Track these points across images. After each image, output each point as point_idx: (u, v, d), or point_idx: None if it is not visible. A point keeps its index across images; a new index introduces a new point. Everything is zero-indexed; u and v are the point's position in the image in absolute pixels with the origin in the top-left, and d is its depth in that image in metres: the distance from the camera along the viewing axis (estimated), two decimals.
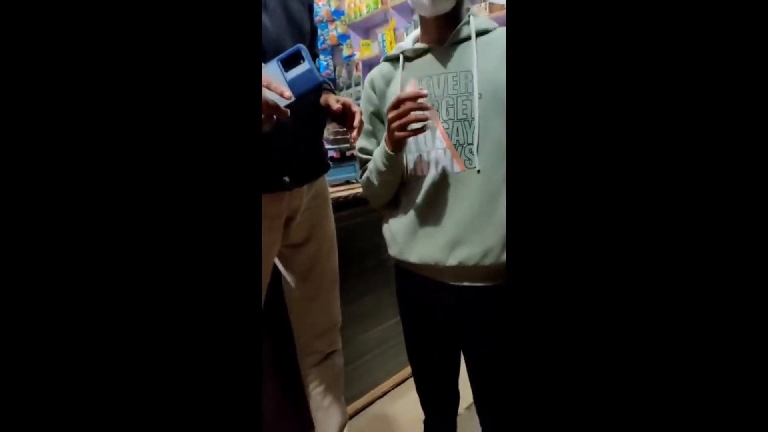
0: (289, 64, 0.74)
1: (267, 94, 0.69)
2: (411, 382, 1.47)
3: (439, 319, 0.78)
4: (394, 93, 0.75)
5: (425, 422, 0.90)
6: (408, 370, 1.52)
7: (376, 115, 0.80)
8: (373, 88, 0.80)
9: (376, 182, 0.76)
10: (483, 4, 2.36)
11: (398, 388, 1.50)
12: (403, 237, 0.75)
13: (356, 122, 0.79)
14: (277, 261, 1.06)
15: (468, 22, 0.72)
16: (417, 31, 0.79)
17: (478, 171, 0.68)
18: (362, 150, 0.82)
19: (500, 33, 0.72)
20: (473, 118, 0.69)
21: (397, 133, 0.66)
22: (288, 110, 0.72)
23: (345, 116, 0.86)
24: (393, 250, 0.79)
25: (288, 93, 0.71)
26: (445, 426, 0.89)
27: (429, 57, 0.74)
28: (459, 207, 0.69)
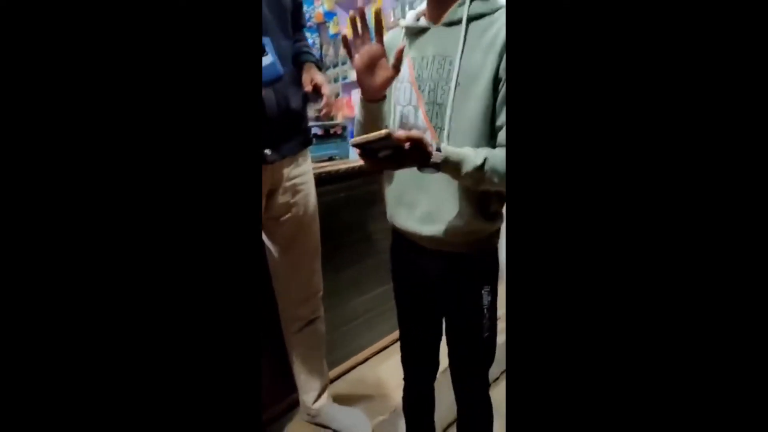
0: None
1: None
2: (390, 350, 1.56)
3: (422, 280, 0.85)
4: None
5: (405, 379, 0.97)
6: (387, 338, 1.60)
7: None
8: None
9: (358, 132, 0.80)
10: None
11: (378, 355, 1.57)
12: (391, 203, 0.83)
13: (323, 104, 0.83)
14: None
15: (464, 3, 0.70)
16: (424, 5, 0.77)
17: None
18: None
19: (498, 16, 0.69)
20: (447, 105, 0.71)
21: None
22: None
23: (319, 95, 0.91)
24: (387, 214, 0.86)
25: None
26: (423, 387, 0.97)
27: (425, 36, 0.75)
28: (434, 185, 0.74)
